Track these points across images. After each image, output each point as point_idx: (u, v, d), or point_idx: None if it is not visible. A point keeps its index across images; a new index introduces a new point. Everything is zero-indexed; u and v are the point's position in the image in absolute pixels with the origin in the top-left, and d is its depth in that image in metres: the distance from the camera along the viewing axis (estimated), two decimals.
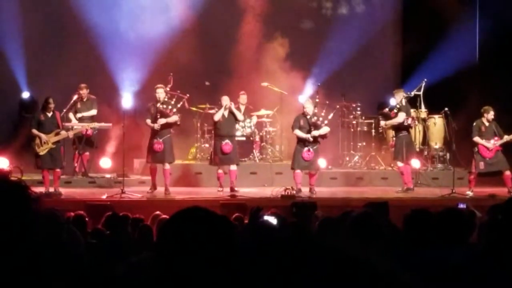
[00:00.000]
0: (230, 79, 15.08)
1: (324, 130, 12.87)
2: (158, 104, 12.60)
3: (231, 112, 13.12)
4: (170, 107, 12.62)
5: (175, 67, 14.40)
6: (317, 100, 13.40)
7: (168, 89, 12.91)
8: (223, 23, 15.93)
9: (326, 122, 12.93)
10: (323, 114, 13.05)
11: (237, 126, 13.77)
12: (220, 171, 13.13)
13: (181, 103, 12.92)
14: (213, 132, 13.58)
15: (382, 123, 13.59)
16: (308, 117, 12.85)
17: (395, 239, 4.60)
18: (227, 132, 13.07)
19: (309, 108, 12.89)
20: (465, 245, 4.45)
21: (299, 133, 12.88)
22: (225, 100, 13.10)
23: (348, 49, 16.12)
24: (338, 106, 14.18)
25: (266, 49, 15.80)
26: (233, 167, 13.03)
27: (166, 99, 12.69)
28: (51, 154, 12.29)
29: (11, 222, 1.88)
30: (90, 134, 13.85)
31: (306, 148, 12.81)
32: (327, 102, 13.93)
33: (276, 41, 15.85)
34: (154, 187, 12.75)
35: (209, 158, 13.79)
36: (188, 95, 13.30)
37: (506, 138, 13.01)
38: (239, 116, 13.33)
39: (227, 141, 12.94)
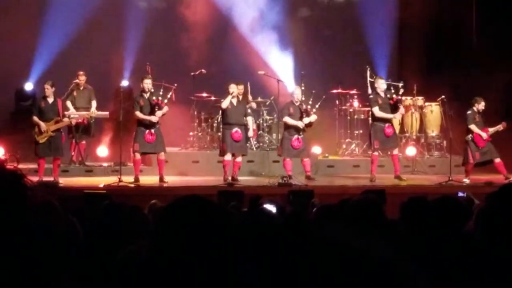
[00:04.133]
0: (227, 68, 15.04)
1: (314, 117, 12.90)
2: (147, 95, 12.43)
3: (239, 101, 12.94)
4: (160, 98, 12.50)
5: (170, 55, 14.35)
6: (302, 88, 13.44)
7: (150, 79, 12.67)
8: (218, 12, 15.89)
9: (314, 110, 12.98)
10: (310, 102, 13.09)
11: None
12: (227, 158, 12.69)
13: (170, 94, 12.71)
14: (221, 120, 13.37)
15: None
16: (297, 104, 12.89)
17: (392, 227, 4.60)
18: (236, 120, 12.75)
19: (298, 95, 12.95)
20: (461, 233, 4.46)
21: (289, 120, 12.88)
22: (233, 88, 12.77)
23: (343, 37, 16.08)
24: (324, 96, 14.02)
25: (263, 36, 15.75)
26: (239, 158, 12.86)
27: (152, 90, 12.55)
28: (50, 143, 12.23)
29: (6, 211, 1.88)
30: (86, 122, 13.82)
31: (295, 136, 12.82)
32: (314, 91, 13.93)
33: (272, 28, 15.81)
34: (137, 179, 12.40)
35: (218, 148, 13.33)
36: (175, 85, 13.00)
37: (491, 130, 12.98)
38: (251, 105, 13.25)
39: (236, 129, 12.64)
